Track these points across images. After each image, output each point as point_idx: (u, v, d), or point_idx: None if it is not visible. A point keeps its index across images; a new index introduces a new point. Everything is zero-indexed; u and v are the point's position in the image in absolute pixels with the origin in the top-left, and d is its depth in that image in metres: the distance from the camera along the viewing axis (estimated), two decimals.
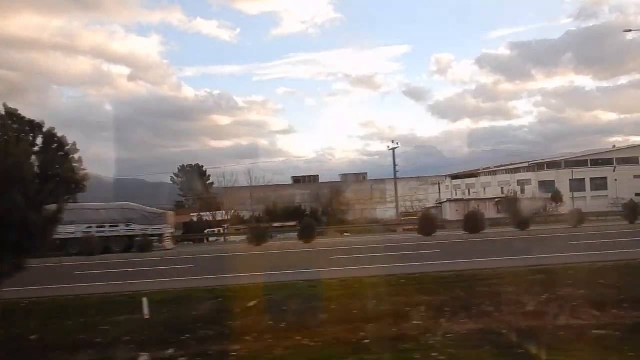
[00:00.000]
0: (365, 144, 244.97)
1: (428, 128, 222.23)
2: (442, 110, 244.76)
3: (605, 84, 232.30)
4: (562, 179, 67.00)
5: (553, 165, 72.47)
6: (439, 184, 73.69)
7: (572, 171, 66.26)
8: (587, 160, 71.86)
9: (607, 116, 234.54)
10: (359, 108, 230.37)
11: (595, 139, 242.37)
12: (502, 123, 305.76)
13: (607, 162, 69.00)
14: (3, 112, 38.82)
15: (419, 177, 73.45)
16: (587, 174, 67.61)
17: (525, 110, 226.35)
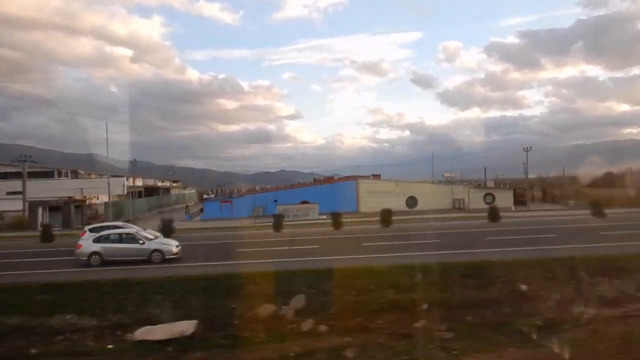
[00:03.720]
0: (374, 131, 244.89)
1: (437, 116, 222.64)
2: (451, 99, 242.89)
3: (617, 74, 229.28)
4: None
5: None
6: None
7: None
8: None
9: (621, 107, 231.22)
10: (367, 95, 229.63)
11: (609, 130, 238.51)
12: (512, 113, 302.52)
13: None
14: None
15: None
16: None
17: (536, 100, 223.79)
